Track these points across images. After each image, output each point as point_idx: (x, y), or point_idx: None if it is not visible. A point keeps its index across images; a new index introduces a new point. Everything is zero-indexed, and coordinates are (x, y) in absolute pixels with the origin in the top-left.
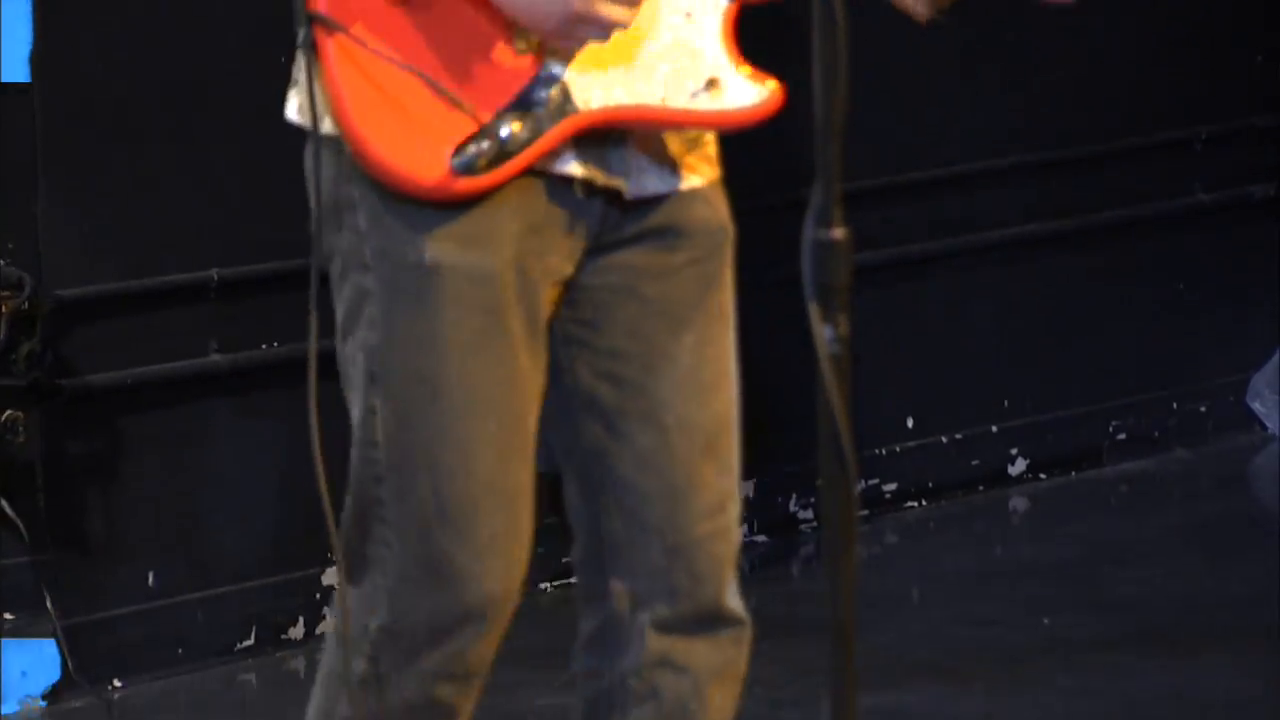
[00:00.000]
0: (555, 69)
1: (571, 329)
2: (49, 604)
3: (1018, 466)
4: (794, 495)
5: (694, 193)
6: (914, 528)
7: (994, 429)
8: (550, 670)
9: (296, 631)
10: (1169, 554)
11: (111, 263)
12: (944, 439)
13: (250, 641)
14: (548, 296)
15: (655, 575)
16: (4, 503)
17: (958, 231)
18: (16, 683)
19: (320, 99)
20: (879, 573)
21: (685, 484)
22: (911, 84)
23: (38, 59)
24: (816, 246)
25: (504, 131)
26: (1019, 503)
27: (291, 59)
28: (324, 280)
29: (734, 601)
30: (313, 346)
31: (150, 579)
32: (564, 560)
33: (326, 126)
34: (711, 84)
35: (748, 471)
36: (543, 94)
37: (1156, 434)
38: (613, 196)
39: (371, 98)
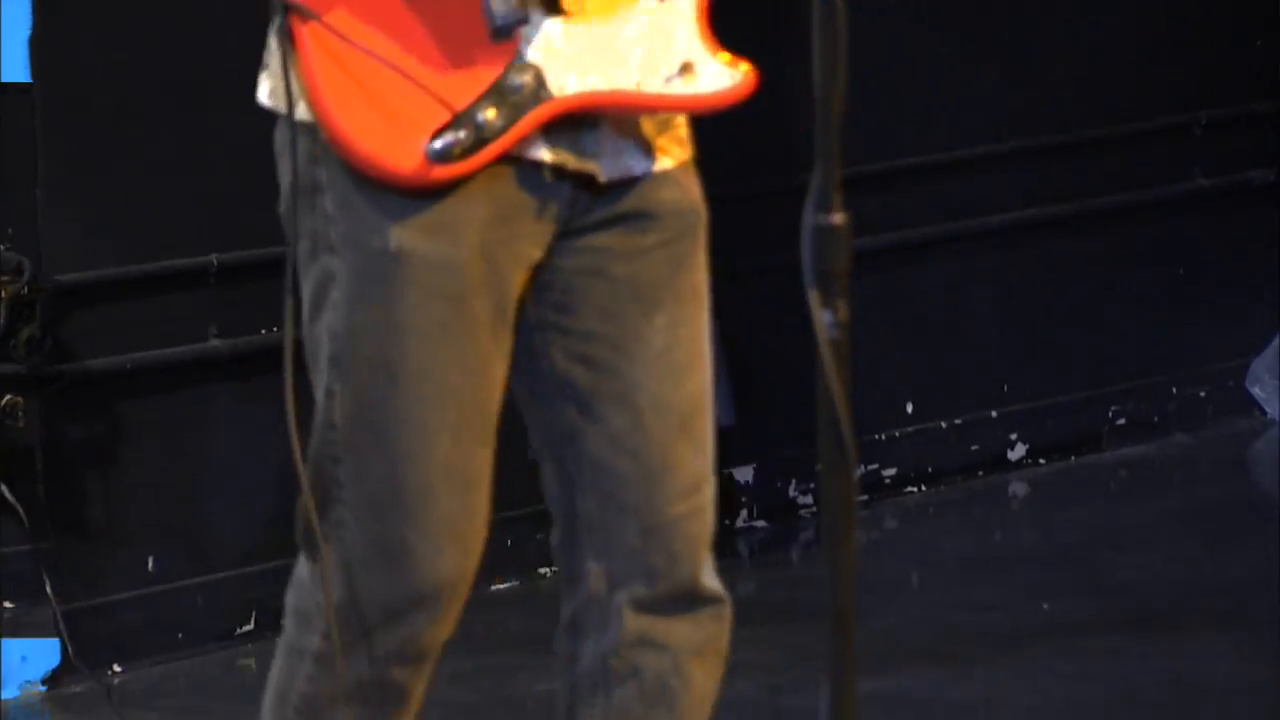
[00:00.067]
0: (530, 55)
1: (544, 312)
2: (49, 589)
3: (1017, 451)
4: (793, 480)
5: (665, 174)
6: (913, 513)
7: (993, 414)
8: (549, 655)
9: None
10: (1168, 539)
11: (111, 248)
12: (943, 424)
13: (250, 626)
14: (516, 282)
15: (631, 556)
16: (3, 488)
17: (957, 216)
18: (17, 668)
19: (295, 85)
20: (878, 558)
21: (660, 464)
22: (911, 69)
23: (37, 45)
24: (816, 232)
25: (480, 119)
26: (1018, 488)
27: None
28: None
29: (711, 580)
30: (289, 331)
31: (150, 564)
32: None
33: (301, 112)
34: (685, 68)
35: (747, 457)
36: (517, 81)
37: (1156, 419)
38: (582, 181)
39: (347, 87)
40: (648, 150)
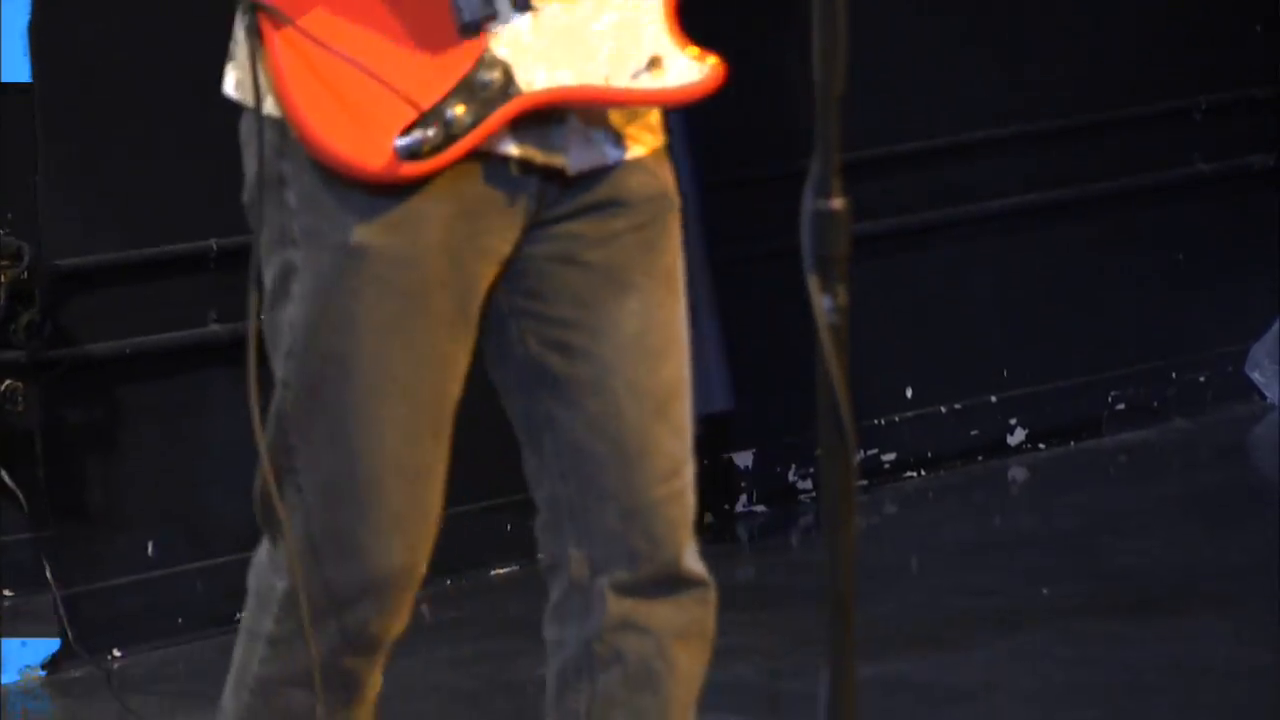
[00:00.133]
0: (498, 51)
1: (518, 301)
2: (48, 574)
3: (1017, 436)
4: (793, 465)
5: (636, 162)
6: (913, 498)
7: (993, 399)
8: None
9: None
10: (1168, 524)
11: (111, 233)
12: (943, 409)
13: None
14: (482, 276)
15: (612, 540)
16: (3, 473)
17: (957, 201)
18: (16, 652)
19: (263, 80)
20: (878, 543)
21: (638, 448)
22: (911, 53)
23: (36, 29)
24: (816, 217)
25: (449, 115)
26: (1018, 473)
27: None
28: None
29: (694, 563)
30: (253, 320)
31: (149, 548)
32: None
33: (268, 107)
34: (654, 63)
35: (747, 441)
36: (486, 77)
37: (1156, 404)
38: (550, 173)
39: (315, 85)
40: (618, 139)
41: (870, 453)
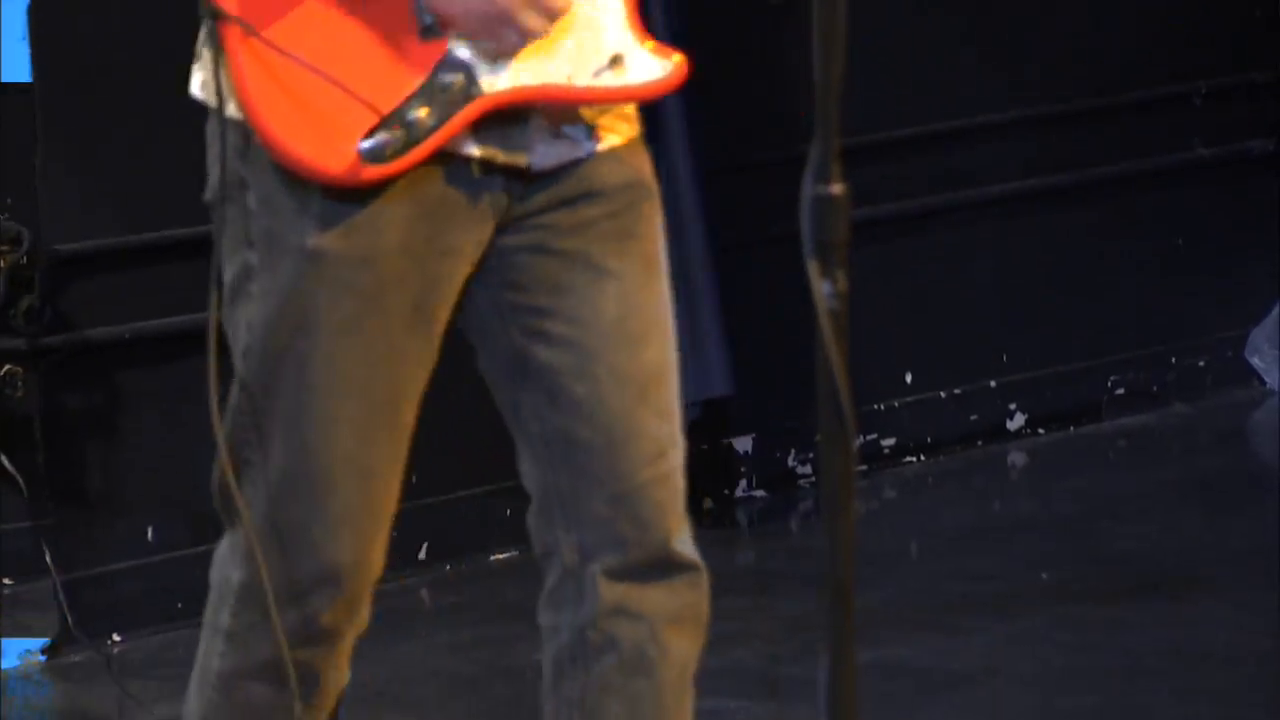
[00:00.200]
0: (459, 53)
1: (498, 294)
2: (48, 559)
3: (1016, 421)
4: (793, 451)
5: (610, 153)
6: (912, 483)
7: (992, 384)
8: None
9: None
10: (1167, 509)
11: (110, 217)
12: (942, 394)
13: None
14: (446, 276)
15: (601, 525)
16: (3, 458)
17: (957, 186)
18: (16, 637)
19: (225, 85)
20: (877, 528)
21: (623, 433)
22: (911, 38)
23: (36, 15)
24: (815, 202)
25: (410, 118)
26: (1017, 458)
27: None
28: None
29: (685, 548)
30: (213, 317)
31: (149, 534)
32: None
33: (231, 110)
34: (615, 60)
35: (747, 427)
36: (447, 79)
37: (1155, 389)
38: (515, 171)
39: (276, 91)
40: (590, 131)
41: (870, 438)
